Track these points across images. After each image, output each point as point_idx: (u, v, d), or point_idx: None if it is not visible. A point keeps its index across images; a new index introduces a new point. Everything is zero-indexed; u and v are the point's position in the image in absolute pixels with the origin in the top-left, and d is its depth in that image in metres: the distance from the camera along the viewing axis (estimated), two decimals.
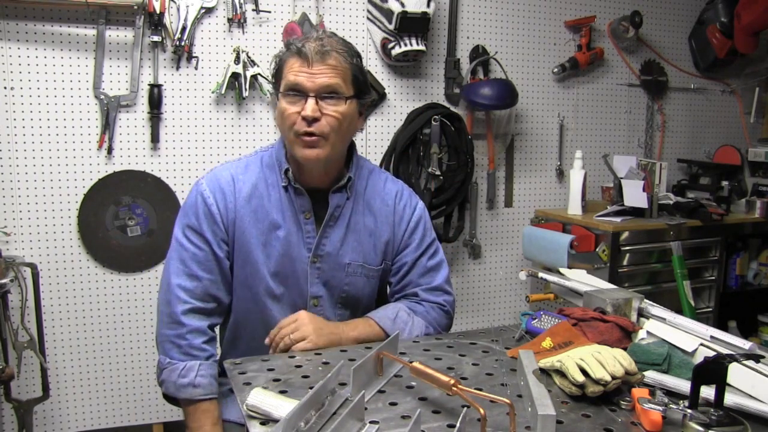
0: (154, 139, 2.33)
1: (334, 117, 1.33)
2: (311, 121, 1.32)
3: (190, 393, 1.34)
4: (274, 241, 1.41)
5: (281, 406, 0.98)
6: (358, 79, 1.39)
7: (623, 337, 1.29)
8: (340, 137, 1.37)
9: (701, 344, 1.23)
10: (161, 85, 2.31)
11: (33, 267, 2.12)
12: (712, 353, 1.13)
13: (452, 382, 1.00)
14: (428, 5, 2.40)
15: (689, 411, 0.97)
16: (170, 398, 1.40)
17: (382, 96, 2.61)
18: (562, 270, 1.70)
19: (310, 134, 1.32)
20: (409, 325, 1.44)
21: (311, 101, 1.31)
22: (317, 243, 1.42)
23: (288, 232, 1.41)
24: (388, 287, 1.58)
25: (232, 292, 1.45)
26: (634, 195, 2.58)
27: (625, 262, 2.52)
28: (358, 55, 1.41)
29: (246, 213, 1.40)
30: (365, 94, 1.42)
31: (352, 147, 1.49)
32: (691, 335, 1.26)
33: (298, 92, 1.33)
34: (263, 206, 1.41)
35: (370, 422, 0.99)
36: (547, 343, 1.28)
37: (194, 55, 2.34)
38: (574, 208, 2.69)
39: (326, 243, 1.43)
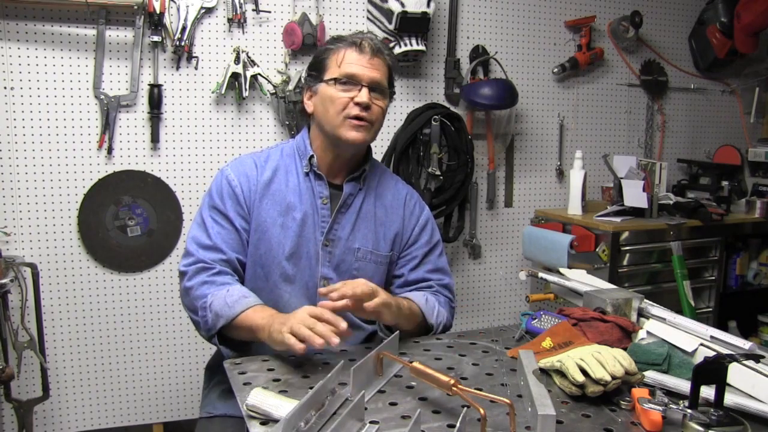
0: (154, 139, 2.33)
1: (380, 108, 1.48)
2: (365, 107, 1.43)
3: (245, 303, 1.32)
4: (291, 223, 1.48)
5: (281, 406, 0.98)
6: (392, 81, 1.54)
7: (623, 337, 1.29)
8: (379, 127, 1.51)
9: (701, 344, 1.23)
10: (161, 85, 2.31)
11: (33, 267, 2.12)
12: (712, 353, 1.13)
13: (452, 382, 1.00)
14: (428, 5, 2.40)
15: (689, 411, 0.97)
16: (228, 341, 1.37)
17: None
18: (562, 270, 1.70)
19: (361, 118, 1.43)
20: (437, 309, 1.49)
21: (365, 90, 1.43)
22: (330, 227, 1.49)
23: (304, 215, 1.48)
24: (393, 282, 1.60)
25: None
26: (634, 195, 2.58)
27: (625, 262, 2.52)
28: (395, 59, 1.58)
29: (266, 195, 1.49)
30: (393, 95, 1.57)
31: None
32: (691, 335, 1.26)
33: (353, 82, 1.44)
34: (281, 190, 1.49)
35: (370, 422, 0.99)
36: (547, 343, 1.28)
37: (194, 55, 2.34)
38: (574, 208, 2.69)
39: (338, 228, 1.50)
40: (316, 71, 1.50)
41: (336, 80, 1.44)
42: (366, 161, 1.56)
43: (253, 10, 2.38)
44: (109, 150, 2.29)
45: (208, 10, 2.34)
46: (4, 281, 2.01)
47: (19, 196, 2.22)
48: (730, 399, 1.02)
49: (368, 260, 1.53)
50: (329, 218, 1.49)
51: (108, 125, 2.27)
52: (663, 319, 1.33)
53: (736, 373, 1.11)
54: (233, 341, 1.38)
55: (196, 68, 2.36)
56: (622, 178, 2.64)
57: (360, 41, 1.46)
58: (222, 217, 1.47)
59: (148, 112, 2.31)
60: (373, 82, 1.44)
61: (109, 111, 2.26)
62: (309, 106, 1.52)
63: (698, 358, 1.18)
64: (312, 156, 1.50)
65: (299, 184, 1.50)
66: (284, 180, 1.50)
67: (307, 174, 1.51)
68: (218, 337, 1.37)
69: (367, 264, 1.53)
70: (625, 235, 2.48)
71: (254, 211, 1.48)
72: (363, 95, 1.42)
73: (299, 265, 1.48)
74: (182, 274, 1.45)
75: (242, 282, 1.48)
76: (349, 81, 1.43)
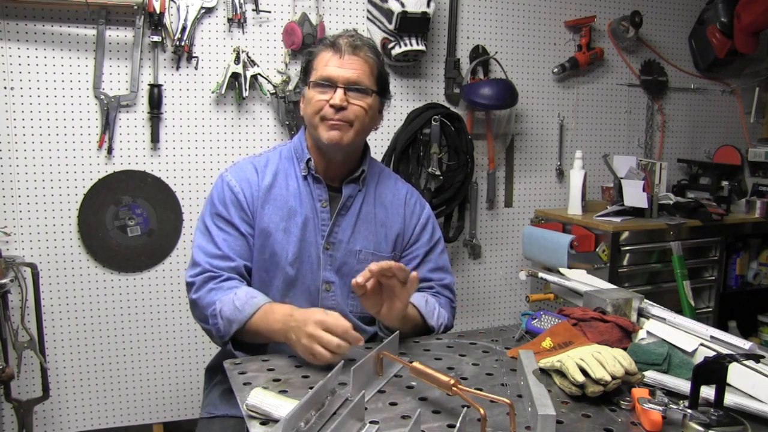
0: (154, 139, 2.33)
1: (360, 107, 1.43)
2: (338, 109, 1.41)
3: (254, 304, 1.32)
4: (293, 228, 1.47)
5: (281, 406, 0.98)
6: (382, 76, 1.49)
7: (623, 337, 1.29)
8: (362, 127, 1.46)
9: (701, 344, 1.23)
10: (161, 85, 2.31)
11: (33, 267, 2.12)
12: (712, 353, 1.13)
13: (452, 382, 1.00)
14: (428, 5, 2.40)
15: (689, 411, 0.97)
16: (241, 345, 1.37)
17: None
18: (562, 270, 1.70)
19: (337, 120, 1.41)
20: (437, 310, 1.49)
21: (340, 91, 1.41)
22: (330, 230, 1.48)
23: (305, 219, 1.48)
24: None
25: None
26: (634, 195, 2.58)
27: (625, 262, 2.52)
28: (381, 54, 1.52)
29: (267, 201, 1.48)
30: (386, 92, 1.52)
31: (366, 145, 1.57)
32: (691, 335, 1.26)
33: (329, 83, 1.42)
34: (282, 195, 1.49)
35: (370, 422, 0.99)
36: (547, 343, 1.28)
37: (194, 55, 2.34)
38: (574, 208, 2.69)
39: (338, 231, 1.50)
40: (304, 74, 1.50)
41: (315, 83, 1.44)
42: (363, 162, 1.54)
43: (253, 10, 2.38)
44: (109, 150, 2.29)
45: (208, 10, 2.34)
46: (4, 281, 2.01)
47: (19, 196, 2.22)
48: (730, 399, 1.02)
49: (369, 262, 1.51)
50: (329, 221, 1.49)
51: (108, 125, 2.27)
52: (663, 319, 1.33)
53: (736, 373, 1.11)
54: (248, 344, 1.38)
55: (196, 68, 2.36)
56: (622, 178, 2.64)
57: (336, 41, 1.44)
58: (226, 224, 1.46)
59: (148, 112, 2.31)
60: (348, 82, 1.41)
61: (109, 111, 2.26)
62: (301, 109, 1.52)
63: (698, 358, 1.18)
64: (309, 159, 1.49)
65: (299, 187, 1.49)
66: (284, 184, 1.50)
67: (305, 177, 1.50)
68: (232, 342, 1.37)
69: None
70: (625, 235, 2.48)
71: (257, 216, 1.47)
72: (336, 97, 1.40)
73: (301, 269, 1.48)
74: (189, 285, 1.43)
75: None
76: (326, 83, 1.42)
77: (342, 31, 1.50)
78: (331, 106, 1.41)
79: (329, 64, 1.42)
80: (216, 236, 1.44)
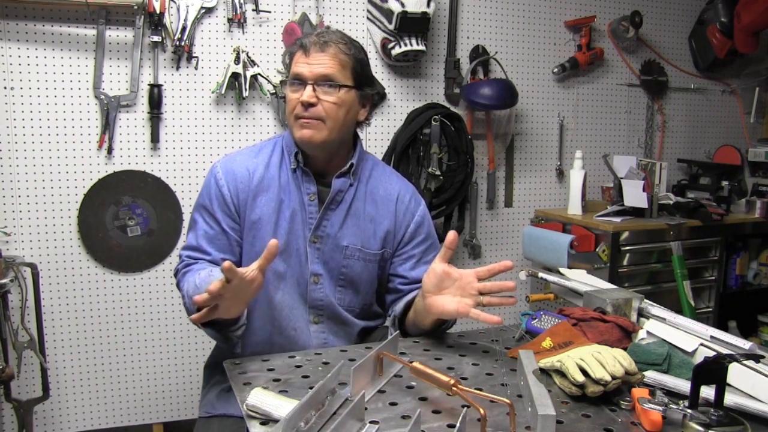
0: (154, 139, 2.33)
1: (331, 103, 1.43)
2: (308, 105, 1.42)
3: (210, 281, 1.26)
4: (282, 221, 1.48)
5: (281, 406, 0.98)
6: (357, 71, 1.47)
7: (623, 337, 1.29)
8: (337, 123, 1.45)
9: (701, 344, 1.23)
10: (161, 85, 2.31)
11: (33, 267, 2.12)
12: (712, 353, 1.13)
13: (452, 382, 1.00)
14: (428, 5, 2.40)
15: (689, 411, 0.97)
16: (214, 325, 1.32)
17: (382, 96, 2.61)
18: (562, 270, 1.70)
19: (307, 117, 1.43)
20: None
21: (309, 88, 1.42)
22: (317, 224, 1.49)
23: (292, 212, 1.49)
24: (393, 282, 1.58)
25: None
26: (634, 195, 2.58)
27: (625, 262, 2.52)
28: (361, 49, 1.51)
29: (258, 193, 1.49)
30: (366, 86, 1.51)
31: (356, 137, 1.57)
32: (691, 335, 1.26)
33: (299, 81, 1.43)
34: (274, 186, 1.50)
35: (370, 422, 0.99)
36: (547, 343, 1.28)
37: (194, 55, 2.34)
38: (574, 208, 2.69)
39: (326, 225, 1.50)
40: (285, 75, 1.52)
41: (288, 82, 1.46)
42: (353, 155, 1.53)
43: (253, 10, 2.38)
44: (109, 150, 2.29)
45: (208, 10, 2.34)
46: (4, 281, 2.01)
47: (19, 196, 2.22)
48: (730, 399, 1.02)
49: (356, 258, 1.52)
50: (316, 215, 1.49)
51: (108, 125, 2.27)
52: (663, 319, 1.33)
53: (736, 373, 1.11)
54: (218, 324, 1.31)
55: (196, 68, 2.36)
56: (622, 178, 2.64)
57: (304, 40, 1.46)
58: (210, 217, 1.48)
59: (148, 112, 2.31)
60: (318, 77, 1.42)
61: (109, 111, 2.26)
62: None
63: (698, 358, 1.18)
64: (297, 152, 1.50)
65: (289, 180, 1.50)
66: (276, 175, 1.51)
67: (294, 170, 1.50)
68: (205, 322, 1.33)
69: (356, 262, 1.52)
70: (625, 235, 2.48)
71: (247, 209, 1.48)
72: (305, 93, 1.41)
73: (290, 261, 1.48)
74: (175, 276, 1.51)
75: None
76: (297, 81, 1.44)
77: (315, 30, 1.51)
78: (301, 103, 1.42)
79: (298, 63, 1.44)
80: (198, 229, 1.49)
